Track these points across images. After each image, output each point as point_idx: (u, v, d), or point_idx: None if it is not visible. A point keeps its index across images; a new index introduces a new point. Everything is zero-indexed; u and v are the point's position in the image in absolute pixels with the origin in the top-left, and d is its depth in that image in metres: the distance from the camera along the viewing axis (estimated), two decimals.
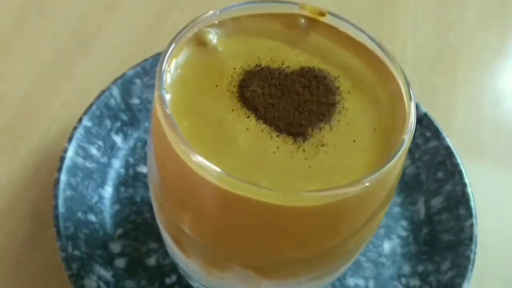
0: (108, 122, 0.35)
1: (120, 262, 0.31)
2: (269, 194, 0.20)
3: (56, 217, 0.30)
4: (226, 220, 0.22)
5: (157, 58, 0.26)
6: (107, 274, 0.30)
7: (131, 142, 0.36)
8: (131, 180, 0.35)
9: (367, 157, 0.23)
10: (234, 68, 0.25)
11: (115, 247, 0.32)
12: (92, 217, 0.32)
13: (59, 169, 0.32)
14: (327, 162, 0.22)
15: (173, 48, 0.24)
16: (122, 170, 0.35)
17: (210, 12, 0.25)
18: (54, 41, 0.42)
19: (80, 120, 0.34)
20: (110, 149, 0.35)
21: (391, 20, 0.46)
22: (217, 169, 0.20)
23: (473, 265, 0.31)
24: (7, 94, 0.39)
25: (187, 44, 0.25)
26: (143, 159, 0.36)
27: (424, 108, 0.37)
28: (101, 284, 0.29)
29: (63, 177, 0.32)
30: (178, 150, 0.21)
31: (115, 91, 0.36)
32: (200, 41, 0.25)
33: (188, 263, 0.27)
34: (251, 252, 0.23)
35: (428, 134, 0.37)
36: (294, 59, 0.25)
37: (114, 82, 0.36)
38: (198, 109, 0.23)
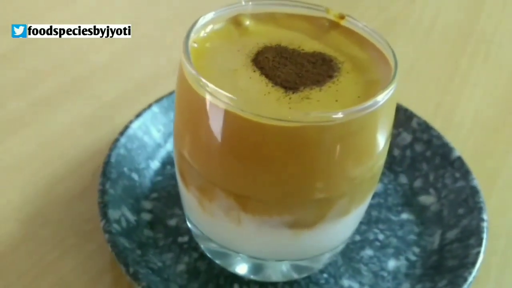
0: (172, 114, 0.42)
1: (146, 216, 0.36)
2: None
3: (105, 163, 0.36)
4: (216, 143, 0.27)
5: None
6: (131, 217, 0.35)
7: None
8: None
9: None
10: (257, 43, 0.30)
11: (146, 204, 0.37)
12: (135, 176, 0.38)
13: (121, 133, 0.38)
14: (307, 109, 0.26)
15: (211, 17, 0.30)
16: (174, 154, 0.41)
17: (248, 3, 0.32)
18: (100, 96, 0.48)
19: (149, 105, 0.41)
20: (169, 135, 0.41)
21: None
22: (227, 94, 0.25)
23: (469, 286, 0.31)
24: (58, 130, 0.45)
25: (224, 20, 0.31)
26: None
27: (458, 153, 0.39)
28: (123, 220, 0.34)
29: (122, 139, 0.38)
30: (193, 84, 0.27)
31: None
32: (236, 21, 0.31)
33: (188, 200, 0.31)
34: (231, 175, 0.27)
35: (458, 175, 0.38)
36: (311, 46, 0.30)
37: None
38: (217, 58, 0.29)
